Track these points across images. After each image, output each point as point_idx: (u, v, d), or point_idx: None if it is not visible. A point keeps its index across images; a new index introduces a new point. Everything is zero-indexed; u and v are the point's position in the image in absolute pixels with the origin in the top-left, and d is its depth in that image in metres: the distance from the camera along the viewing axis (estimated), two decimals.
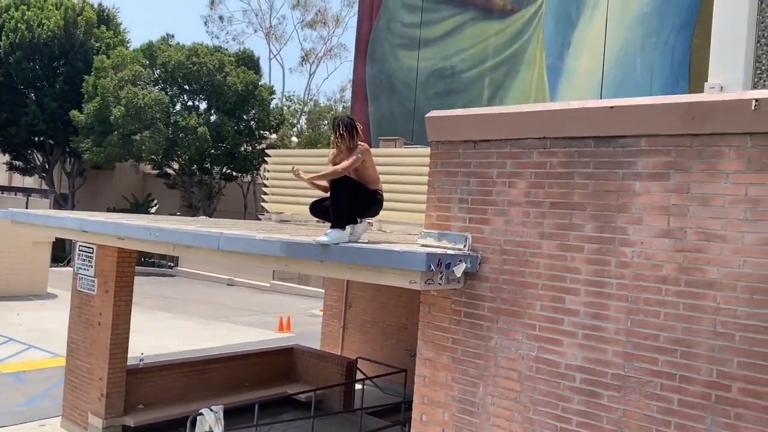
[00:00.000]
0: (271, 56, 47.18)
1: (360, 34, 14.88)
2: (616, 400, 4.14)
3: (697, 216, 3.93)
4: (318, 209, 5.41)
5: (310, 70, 46.30)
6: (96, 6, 37.62)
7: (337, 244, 4.90)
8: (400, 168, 8.76)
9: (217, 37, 43.12)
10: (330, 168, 5.14)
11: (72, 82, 34.71)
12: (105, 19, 37.98)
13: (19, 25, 34.08)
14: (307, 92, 45.82)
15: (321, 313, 13.95)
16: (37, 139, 36.39)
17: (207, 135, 31.98)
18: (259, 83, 35.86)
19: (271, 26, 45.32)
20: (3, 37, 33.93)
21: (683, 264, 3.95)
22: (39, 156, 38.09)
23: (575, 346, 4.33)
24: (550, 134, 4.47)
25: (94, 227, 7.26)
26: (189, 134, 32.06)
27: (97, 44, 35.84)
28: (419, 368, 5.09)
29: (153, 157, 32.98)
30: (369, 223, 5.52)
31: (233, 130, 33.62)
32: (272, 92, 36.95)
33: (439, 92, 13.36)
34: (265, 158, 11.11)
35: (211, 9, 45.39)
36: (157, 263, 31.67)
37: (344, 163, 5.09)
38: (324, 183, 5.33)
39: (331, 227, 5.03)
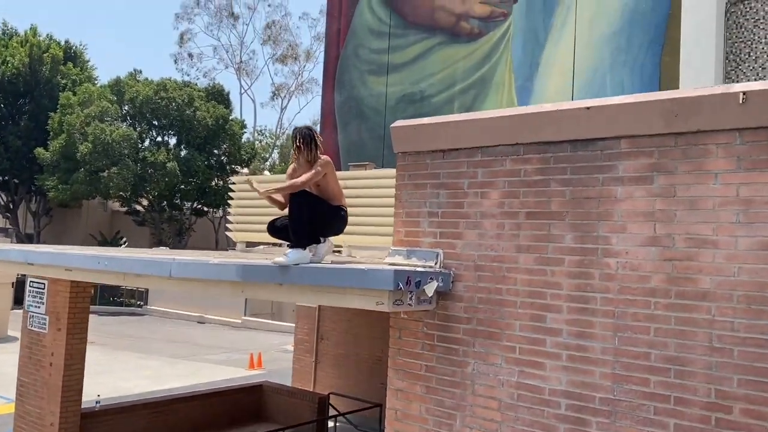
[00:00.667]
0: (242, 91, 47.12)
1: (327, 61, 14.65)
2: (606, 427, 3.75)
3: (685, 221, 3.61)
4: (276, 229, 5.00)
5: (281, 105, 46.19)
6: (63, 43, 37.16)
7: (297, 265, 4.49)
8: (369, 191, 8.40)
9: (188, 75, 42.90)
10: (288, 182, 4.76)
11: (37, 120, 34.05)
12: (72, 56, 37.53)
13: None
14: (279, 126, 45.59)
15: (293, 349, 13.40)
16: (0, 178, 35.46)
17: (176, 170, 31.42)
18: (230, 117, 35.54)
19: (241, 61, 45.22)
20: None
21: (673, 274, 3.62)
22: (3, 195, 37.08)
23: (559, 369, 3.94)
24: (523, 140, 4.16)
25: (40, 259, 6.75)
26: (158, 170, 31.47)
27: (64, 81, 35.31)
28: (390, 400, 4.65)
29: (121, 193, 32.29)
30: (334, 247, 5.11)
31: (204, 164, 33.11)
32: (243, 126, 36.64)
33: (409, 116, 13.12)
34: (230, 186, 10.68)
35: (181, 46, 45.19)
36: (126, 302, 30.73)
37: (303, 177, 4.71)
38: (281, 199, 4.94)
39: (290, 247, 4.62)
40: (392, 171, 9.15)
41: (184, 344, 21.04)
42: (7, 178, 35.47)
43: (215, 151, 34.55)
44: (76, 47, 38.10)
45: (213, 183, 33.93)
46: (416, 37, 13.23)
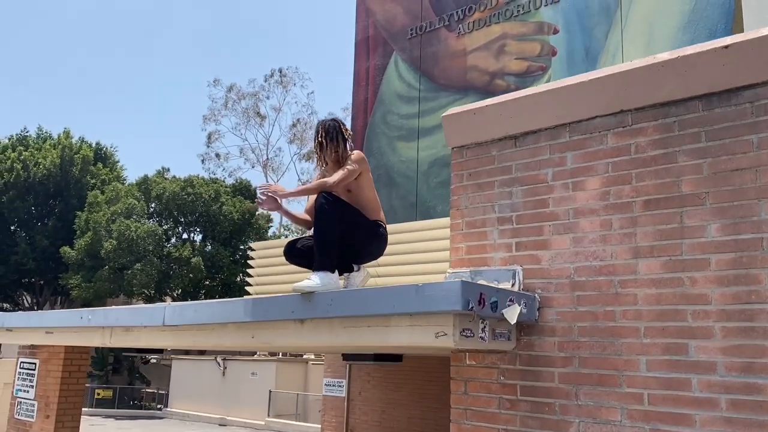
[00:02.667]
0: None
1: (355, 131, 13.90)
2: None
3: None
4: (296, 253, 3.80)
5: (308, 200, 45.80)
6: (94, 145, 37.78)
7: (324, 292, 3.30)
8: (406, 246, 7.29)
9: (214, 173, 42.99)
10: (315, 182, 3.66)
11: (65, 219, 33.97)
12: (102, 156, 38.04)
13: (15, 165, 33.90)
14: None
15: None
16: (25, 280, 35.02)
17: (201, 265, 30.65)
18: (256, 212, 35.10)
19: (267, 159, 45.51)
20: None
21: None
22: (28, 297, 36.50)
23: (719, 423, 2.61)
24: (631, 105, 3.05)
25: (18, 322, 5.65)
26: (182, 265, 30.74)
27: (93, 181, 35.52)
28: None
29: (144, 291, 31.41)
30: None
31: (229, 260, 32.35)
32: (270, 220, 36.13)
33: (442, 181, 12.11)
34: (249, 254, 9.66)
35: (208, 146, 45.74)
36: (146, 405, 29.13)
37: (336, 176, 3.61)
38: (307, 216, 3.83)
39: (315, 270, 3.44)
40: (429, 222, 8.06)
41: None
42: (33, 279, 35.01)
43: (241, 246, 33.85)
44: (106, 148, 38.69)
45: (238, 279, 32.99)
46: (448, 98, 12.44)
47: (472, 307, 2.77)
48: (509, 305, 3.00)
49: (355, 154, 3.74)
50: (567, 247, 3.13)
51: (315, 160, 3.88)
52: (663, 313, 2.81)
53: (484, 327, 2.97)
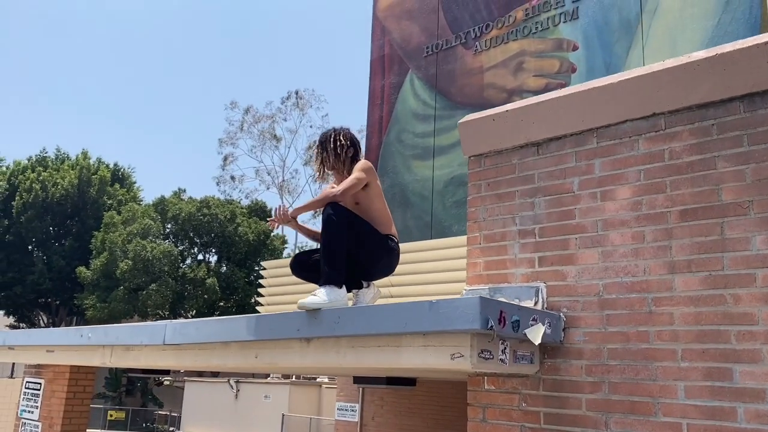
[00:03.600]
0: None
1: (369, 150, 13.74)
2: None
3: None
4: (302, 266, 3.58)
5: None
6: (111, 165, 38.05)
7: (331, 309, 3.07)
8: (420, 265, 7.05)
9: (230, 196, 43.03)
10: (322, 193, 3.44)
11: (82, 239, 34.11)
12: (119, 177, 38.27)
13: (34, 185, 34.18)
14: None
15: None
16: (42, 300, 35.10)
17: (216, 286, 30.54)
18: (272, 233, 35.03)
19: (283, 180, 45.56)
20: (17, 197, 33.89)
21: None
22: (44, 317, 36.57)
23: None
24: (664, 107, 2.81)
25: (19, 340, 5.46)
26: (197, 286, 30.64)
27: (110, 201, 35.70)
28: None
29: (159, 311, 31.30)
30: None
31: (244, 281, 32.22)
32: (285, 242, 36.03)
33: (458, 200, 11.88)
34: (261, 273, 9.47)
35: (224, 169, 45.89)
36: (158, 428, 28.86)
37: (342, 185, 3.40)
38: (314, 228, 3.62)
39: (322, 284, 3.22)
40: (441, 241, 7.81)
41: None
42: (49, 299, 35.09)
43: (256, 267, 33.72)
44: (124, 169, 38.95)
45: (252, 300, 32.79)
46: (464, 116, 12.19)
47: (491, 326, 2.52)
48: (532, 325, 2.75)
49: (361, 162, 3.54)
50: (595, 262, 2.88)
51: (317, 174, 3.67)
52: (703, 334, 2.55)
53: (505, 348, 2.72)
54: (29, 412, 7.53)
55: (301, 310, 3.12)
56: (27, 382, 7.71)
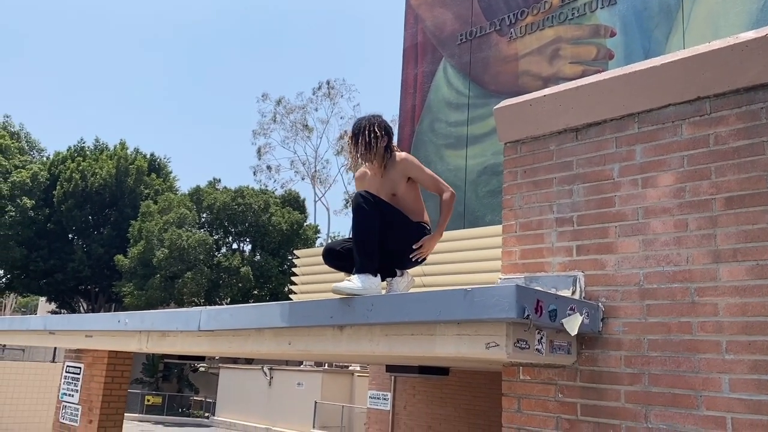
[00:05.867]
0: (317, 199, 47.04)
1: (402, 139, 13.68)
2: None
3: None
4: (335, 255, 3.54)
5: None
6: (148, 156, 38.67)
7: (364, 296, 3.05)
8: (453, 255, 6.99)
9: (266, 185, 43.37)
10: (443, 203, 3.51)
11: (119, 228, 34.81)
12: (156, 167, 38.88)
13: (73, 175, 34.96)
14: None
15: None
16: (82, 287, 35.98)
17: (250, 275, 30.91)
18: (304, 223, 35.27)
19: (316, 171, 45.74)
20: (58, 187, 34.72)
21: None
22: (84, 303, 37.50)
23: None
24: (710, 91, 2.71)
25: (59, 324, 5.58)
26: (232, 275, 31.05)
27: (147, 191, 36.32)
28: None
29: (194, 299, 31.81)
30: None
31: (277, 270, 32.54)
32: (317, 231, 36.24)
33: (492, 190, 11.76)
34: (294, 261, 9.52)
35: (259, 159, 46.26)
36: (194, 413, 29.40)
37: (437, 180, 3.54)
38: None
39: (356, 272, 3.20)
40: (477, 230, 7.74)
41: None
42: (89, 286, 35.94)
43: (289, 257, 34.00)
44: (160, 159, 39.55)
45: (285, 288, 33.09)
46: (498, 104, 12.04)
47: (527, 316, 2.47)
48: (570, 314, 2.68)
49: (410, 156, 3.53)
50: (636, 251, 2.80)
51: (350, 164, 3.63)
52: (749, 326, 2.46)
53: (541, 338, 2.67)
54: (70, 395, 7.72)
55: (335, 293, 3.11)
56: (67, 366, 7.90)
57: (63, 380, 7.96)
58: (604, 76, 3.06)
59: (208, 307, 4.05)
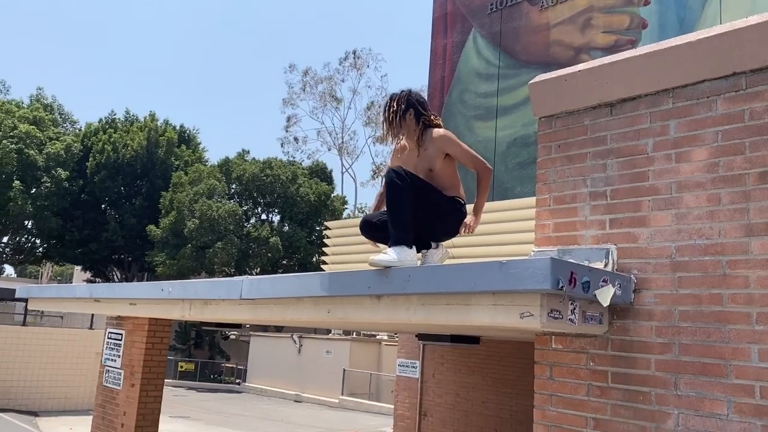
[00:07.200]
0: (344, 170, 47.24)
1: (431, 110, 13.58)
2: None
3: None
4: (373, 227, 3.67)
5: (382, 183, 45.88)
6: (178, 127, 39.08)
7: (400, 267, 3.17)
8: (484, 227, 7.06)
9: (293, 157, 43.63)
10: (480, 179, 3.63)
11: (151, 199, 35.41)
12: (186, 138, 39.30)
13: (105, 146, 35.55)
14: None
15: None
16: (115, 256, 36.83)
17: (279, 245, 31.32)
18: (332, 194, 35.50)
19: (343, 142, 45.82)
20: (90, 158, 35.37)
21: None
22: (118, 272, 38.42)
23: None
24: (746, 66, 2.73)
25: (104, 293, 5.82)
26: (261, 245, 31.50)
27: (177, 162, 36.80)
28: None
29: (225, 269, 32.40)
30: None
31: (305, 240, 32.91)
32: (345, 202, 36.45)
33: (521, 162, 11.74)
34: (325, 232, 9.68)
35: (287, 130, 46.46)
36: (225, 379, 30.18)
37: (475, 157, 3.65)
38: None
39: (391, 245, 3.32)
40: (514, 201, 7.79)
41: (279, 422, 19.78)
42: (122, 256, 36.77)
43: (317, 228, 34.34)
44: (189, 131, 39.94)
45: (314, 259, 33.51)
46: (529, 75, 11.94)
47: (561, 287, 2.57)
48: (602, 286, 2.77)
49: (449, 132, 3.63)
50: (668, 225, 2.86)
51: (386, 137, 3.71)
52: None
53: (574, 309, 2.76)
54: (112, 360, 8.04)
55: (371, 266, 3.23)
56: (109, 332, 8.22)
57: (105, 346, 8.29)
58: (639, 51, 3.09)
59: (249, 276, 4.21)
